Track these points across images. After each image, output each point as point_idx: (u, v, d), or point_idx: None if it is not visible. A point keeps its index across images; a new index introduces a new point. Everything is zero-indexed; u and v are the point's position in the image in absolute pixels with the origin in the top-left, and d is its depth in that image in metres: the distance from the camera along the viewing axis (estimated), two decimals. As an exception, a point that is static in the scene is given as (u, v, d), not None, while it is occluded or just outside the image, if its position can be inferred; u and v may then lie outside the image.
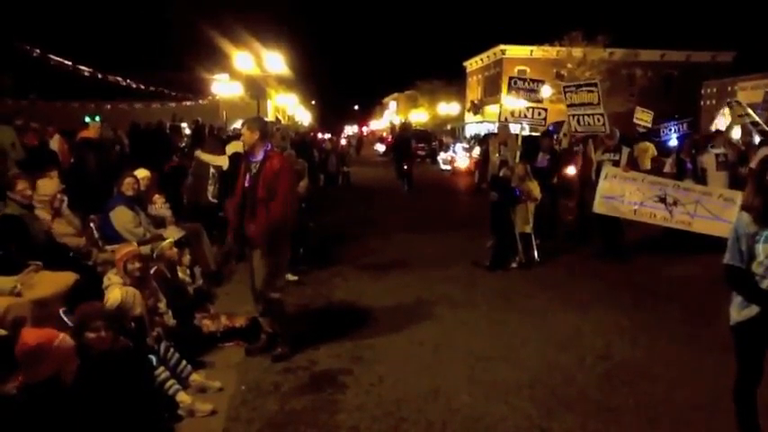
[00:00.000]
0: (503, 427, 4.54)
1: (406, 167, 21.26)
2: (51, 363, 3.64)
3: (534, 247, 9.66)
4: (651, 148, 13.72)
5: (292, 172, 6.43)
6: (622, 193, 9.80)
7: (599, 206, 9.93)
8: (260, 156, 5.78)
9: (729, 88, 38.19)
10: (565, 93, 11.33)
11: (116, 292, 5.19)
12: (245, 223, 5.79)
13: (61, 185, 6.91)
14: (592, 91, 10.93)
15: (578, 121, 11.15)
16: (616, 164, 10.07)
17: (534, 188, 9.62)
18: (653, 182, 9.85)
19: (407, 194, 20.04)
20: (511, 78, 12.53)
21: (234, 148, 10.13)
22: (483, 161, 12.67)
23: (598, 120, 10.72)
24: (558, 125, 15.81)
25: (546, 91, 36.70)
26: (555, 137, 12.85)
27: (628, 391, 5.13)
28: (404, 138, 24.01)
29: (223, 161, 9.72)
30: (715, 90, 43.03)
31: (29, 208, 6.11)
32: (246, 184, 5.81)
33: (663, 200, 9.60)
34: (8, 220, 5.69)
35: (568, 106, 11.30)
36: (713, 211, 9.34)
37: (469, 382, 5.31)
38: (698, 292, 8.10)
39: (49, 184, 6.76)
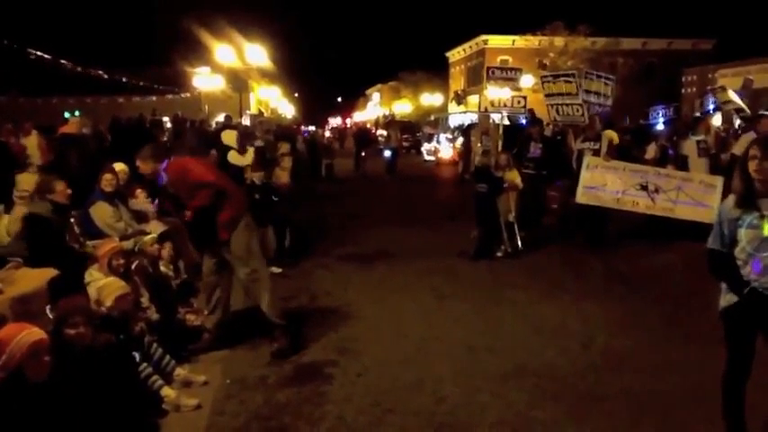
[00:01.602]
0: (488, 416, 4.55)
1: (363, 154, 24.37)
2: (10, 359, 3.54)
3: (518, 235, 9.68)
4: (614, 137, 13.73)
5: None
6: (604, 183, 9.80)
7: (581, 196, 9.93)
8: (162, 177, 5.98)
9: (710, 75, 38.46)
10: (543, 83, 11.43)
11: (113, 280, 5.15)
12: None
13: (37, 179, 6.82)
14: (570, 81, 11.02)
15: (557, 111, 11.21)
16: (596, 153, 10.09)
17: (515, 177, 9.64)
18: (634, 170, 9.86)
19: (391, 185, 20.06)
20: (489, 68, 12.73)
21: (229, 136, 10.26)
22: (465, 151, 12.70)
23: (577, 110, 10.81)
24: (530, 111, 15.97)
25: (528, 80, 36.91)
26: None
27: (613, 380, 5.15)
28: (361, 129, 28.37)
29: (249, 159, 9.62)
30: (695, 77, 43.37)
31: (61, 210, 6.05)
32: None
33: (645, 187, 9.62)
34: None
35: (546, 96, 11.41)
36: (695, 197, 9.38)
37: (455, 372, 5.31)
38: (681, 281, 8.15)
39: (27, 179, 6.70)
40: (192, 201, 5.57)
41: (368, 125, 59.52)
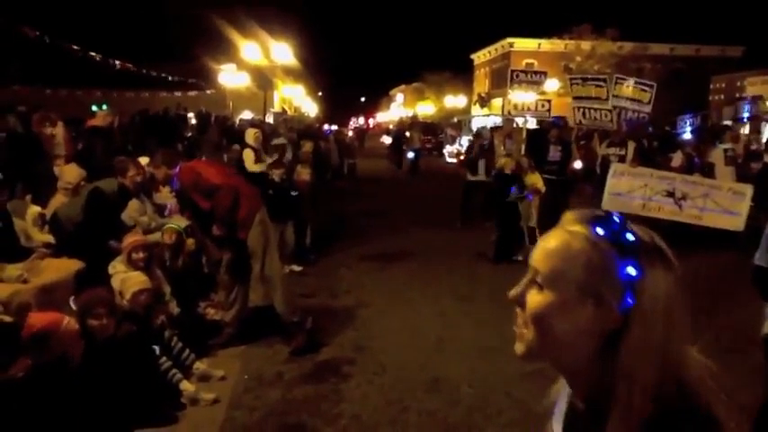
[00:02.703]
0: (504, 417, 4.56)
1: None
2: (58, 345, 3.68)
3: (538, 240, 9.55)
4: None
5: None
6: (631, 189, 9.73)
7: (607, 203, 9.76)
8: (175, 184, 5.92)
9: (738, 83, 38.03)
10: (571, 84, 11.28)
11: (137, 274, 5.23)
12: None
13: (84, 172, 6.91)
14: (600, 86, 10.82)
15: (584, 114, 10.99)
16: (622, 159, 10.01)
17: (537, 181, 9.59)
18: (661, 177, 9.78)
19: (412, 186, 20.09)
20: (513, 71, 12.49)
21: (251, 136, 10.36)
22: (478, 154, 12.41)
23: (605, 115, 10.61)
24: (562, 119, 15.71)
25: (553, 84, 36.58)
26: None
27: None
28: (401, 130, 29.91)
29: (262, 166, 9.70)
30: (723, 85, 42.87)
31: (124, 193, 6.18)
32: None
33: (671, 194, 9.54)
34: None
35: (574, 98, 11.20)
36: (723, 205, 9.30)
37: (471, 373, 5.32)
38: (700, 289, 8.05)
39: (71, 171, 6.82)
40: (210, 202, 5.63)
41: (390, 126, 59.64)
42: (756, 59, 39.39)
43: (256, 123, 16.09)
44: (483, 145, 12.51)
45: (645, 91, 11.35)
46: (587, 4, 45.36)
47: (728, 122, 14.16)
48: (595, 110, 10.74)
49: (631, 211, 9.71)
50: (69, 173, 6.81)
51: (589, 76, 12.20)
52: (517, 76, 12.18)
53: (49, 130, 9.15)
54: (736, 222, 9.28)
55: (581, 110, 11.04)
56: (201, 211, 5.77)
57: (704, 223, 9.39)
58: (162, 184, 6.24)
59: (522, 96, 11.78)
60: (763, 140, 12.60)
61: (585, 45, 43.03)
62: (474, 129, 33.54)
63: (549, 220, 10.01)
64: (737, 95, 35.34)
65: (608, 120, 10.61)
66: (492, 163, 11.56)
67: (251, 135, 10.40)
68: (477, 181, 12.28)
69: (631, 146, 10.21)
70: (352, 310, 7.01)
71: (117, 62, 24.16)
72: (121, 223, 6.30)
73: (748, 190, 9.28)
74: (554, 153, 10.89)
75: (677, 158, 11.36)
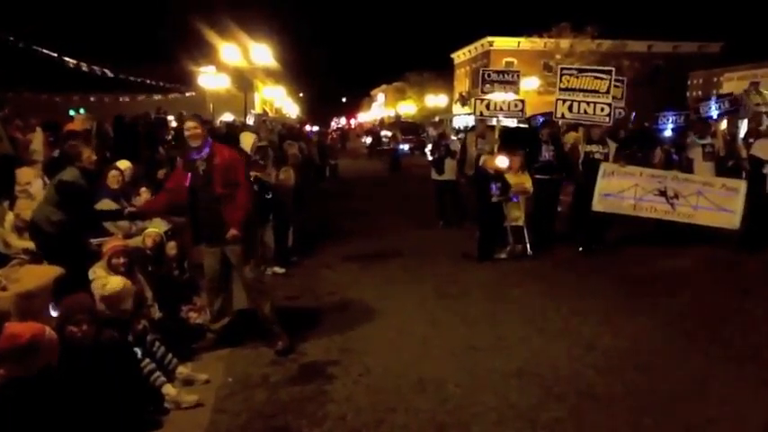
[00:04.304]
0: (491, 416, 4.55)
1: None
2: (45, 355, 3.63)
3: (527, 240, 9.52)
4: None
5: (242, 160, 6.40)
6: (621, 189, 9.57)
7: (598, 204, 9.58)
8: (204, 152, 5.62)
9: (716, 79, 38.44)
10: (561, 75, 10.48)
11: (117, 278, 5.15)
12: (204, 224, 5.74)
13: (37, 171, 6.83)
14: (601, 78, 10.15)
15: (570, 108, 10.26)
16: (605, 157, 9.77)
17: (525, 181, 9.47)
18: (652, 175, 9.67)
19: (395, 186, 20.11)
20: (484, 72, 11.52)
21: (247, 140, 9.99)
22: (444, 154, 12.23)
23: (602, 109, 9.99)
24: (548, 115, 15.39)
25: (533, 83, 36.63)
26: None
27: (615, 380, 5.15)
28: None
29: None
30: (701, 81, 43.30)
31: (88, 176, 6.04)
32: (189, 183, 5.64)
33: (663, 193, 9.45)
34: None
35: (562, 90, 10.43)
36: (716, 202, 9.24)
37: (458, 372, 5.31)
38: (685, 284, 8.12)
39: (26, 173, 6.72)
40: (225, 191, 5.55)
41: (372, 126, 59.63)
42: (734, 55, 39.87)
43: (253, 129, 15.86)
44: (448, 144, 12.51)
45: (617, 87, 11.16)
46: (566, 2, 45.58)
47: (713, 115, 13.87)
48: (588, 103, 10.05)
49: (622, 212, 9.67)
50: (23, 175, 6.73)
51: (590, 68, 11.18)
52: (489, 76, 11.26)
53: (28, 136, 9.05)
54: (732, 220, 9.22)
55: (567, 103, 10.31)
56: (210, 194, 5.60)
57: (698, 222, 9.32)
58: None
59: (494, 96, 11.30)
60: (740, 136, 12.59)
61: (565, 43, 43.34)
62: (456, 127, 33.66)
63: (541, 219, 9.92)
64: (715, 91, 35.72)
65: (604, 114, 9.98)
66: (463, 163, 11.41)
67: (248, 141, 9.98)
68: (444, 180, 12.32)
69: (612, 146, 9.99)
70: (336, 312, 6.99)
71: (95, 67, 23.94)
72: (97, 212, 6.25)
73: (742, 186, 9.20)
74: (546, 152, 10.40)
75: (656, 155, 11.35)
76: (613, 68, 10.59)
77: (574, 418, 4.53)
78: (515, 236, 9.51)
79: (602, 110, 10.01)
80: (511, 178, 9.35)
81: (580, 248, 9.80)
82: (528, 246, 9.50)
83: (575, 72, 10.58)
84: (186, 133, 5.71)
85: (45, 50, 20.86)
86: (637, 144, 12.36)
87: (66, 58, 21.50)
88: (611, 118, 10.09)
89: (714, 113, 14.66)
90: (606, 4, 42.80)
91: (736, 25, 43.54)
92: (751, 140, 10.55)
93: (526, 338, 6.14)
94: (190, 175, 5.64)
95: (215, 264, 5.87)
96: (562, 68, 10.90)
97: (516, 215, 9.51)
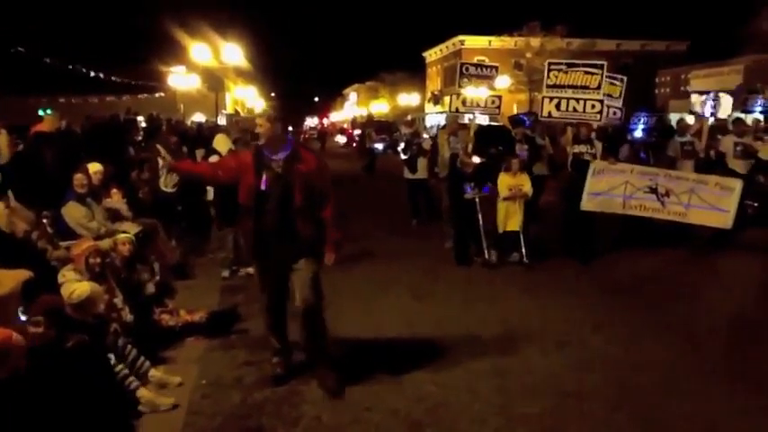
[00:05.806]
0: (467, 414, 4.56)
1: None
2: (12, 361, 3.57)
3: (523, 246, 8.97)
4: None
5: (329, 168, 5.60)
6: (610, 187, 9.17)
7: (587, 203, 9.19)
8: (282, 153, 4.83)
9: (683, 76, 38.97)
10: (549, 70, 10.04)
11: (84, 284, 5.07)
12: (271, 237, 4.96)
13: None
14: (592, 73, 9.75)
15: (557, 106, 9.87)
16: (593, 157, 9.35)
17: (525, 183, 9.05)
18: (642, 172, 9.30)
19: (370, 186, 20.07)
20: (462, 65, 11.14)
21: (222, 142, 9.41)
22: (416, 152, 12.03)
23: (593, 106, 9.63)
24: (533, 114, 15.14)
25: (504, 81, 36.81)
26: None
27: (589, 377, 5.20)
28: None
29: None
30: (669, 78, 43.97)
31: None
32: (264, 187, 4.79)
33: (654, 190, 9.08)
34: None
35: (549, 87, 10.02)
36: (709, 201, 8.89)
37: (434, 371, 5.32)
38: (658, 284, 8.18)
39: None
40: (319, 207, 5.19)
41: (344, 125, 59.52)
42: (700, 54, 40.55)
43: (224, 129, 15.69)
44: (420, 143, 12.40)
45: (615, 85, 10.86)
46: (536, 1, 46.10)
47: (691, 116, 13.82)
48: (578, 100, 9.63)
49: (611, 211, 9.32)
50: None
51: (581, 62, 10.54)
52: (467, 69, 10.92)
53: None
54: (724, 219, 8.87)
55: (554, 101, 9.88)
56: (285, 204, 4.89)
57: (689, 221, 9.06)
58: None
59: (472, 92, 11.04)
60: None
61: (535, 42, 43.72)
62: (428, 126, 33.71)
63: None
64: (683, 89, 36.28)
65: (595, 111, 9.59)
66: (435, 162, 10.83)
67: (222, 142, 9.45)
68: (417, 179, 12.18)
69: (598, 144, 9.60)
70: (311, 312, 6.93)
71: (68, 66, 23.60)
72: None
73: (737, 185, 8.91)
74: (520, 151, 10.19)
75: (624, 150, 11.29)
76: (605, 62, 10.18)
77: (550, 414, 4.57)
78: (511, 243, 9.05)
79: (593, 107, 9.66)
80: (509, 180, 9.05)
81: (580, 263, 9.10)
82: (524, 252, 8.96)
83: (564, 67, 10.15)
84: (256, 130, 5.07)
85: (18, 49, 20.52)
86: (605, 140, 12.41)
87: (47, 59, 21.17)
88: (602, 116, 9.74)
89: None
90: (576, 4, 43.42)
91: (703, 24, 44.36)
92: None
93: (502, 337, 6.16)
94: (264, 177, 4.79)
95: (273, 288, 5.31)
96: (550, 63, 10.46)
97: (513, 220, 9.02)
